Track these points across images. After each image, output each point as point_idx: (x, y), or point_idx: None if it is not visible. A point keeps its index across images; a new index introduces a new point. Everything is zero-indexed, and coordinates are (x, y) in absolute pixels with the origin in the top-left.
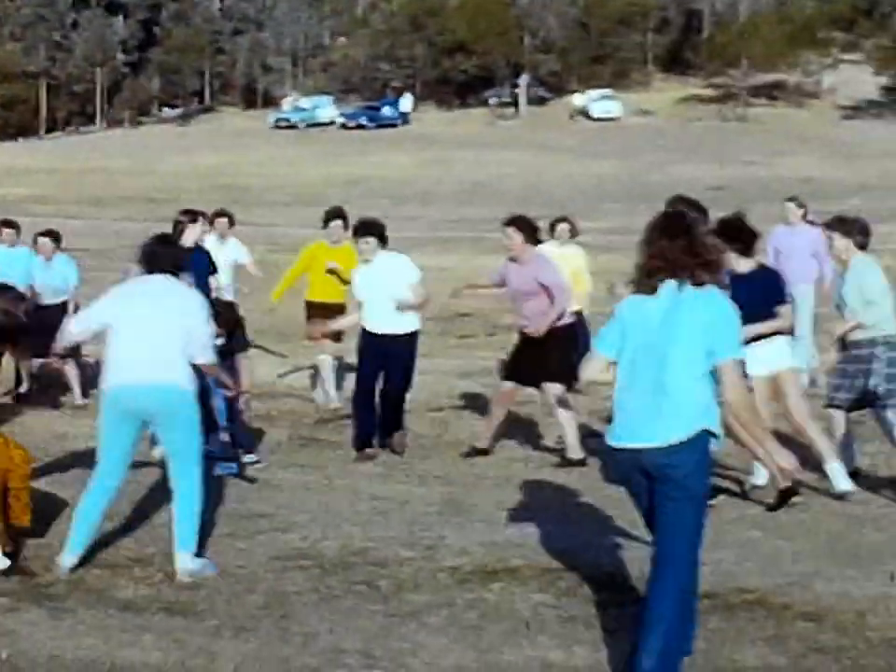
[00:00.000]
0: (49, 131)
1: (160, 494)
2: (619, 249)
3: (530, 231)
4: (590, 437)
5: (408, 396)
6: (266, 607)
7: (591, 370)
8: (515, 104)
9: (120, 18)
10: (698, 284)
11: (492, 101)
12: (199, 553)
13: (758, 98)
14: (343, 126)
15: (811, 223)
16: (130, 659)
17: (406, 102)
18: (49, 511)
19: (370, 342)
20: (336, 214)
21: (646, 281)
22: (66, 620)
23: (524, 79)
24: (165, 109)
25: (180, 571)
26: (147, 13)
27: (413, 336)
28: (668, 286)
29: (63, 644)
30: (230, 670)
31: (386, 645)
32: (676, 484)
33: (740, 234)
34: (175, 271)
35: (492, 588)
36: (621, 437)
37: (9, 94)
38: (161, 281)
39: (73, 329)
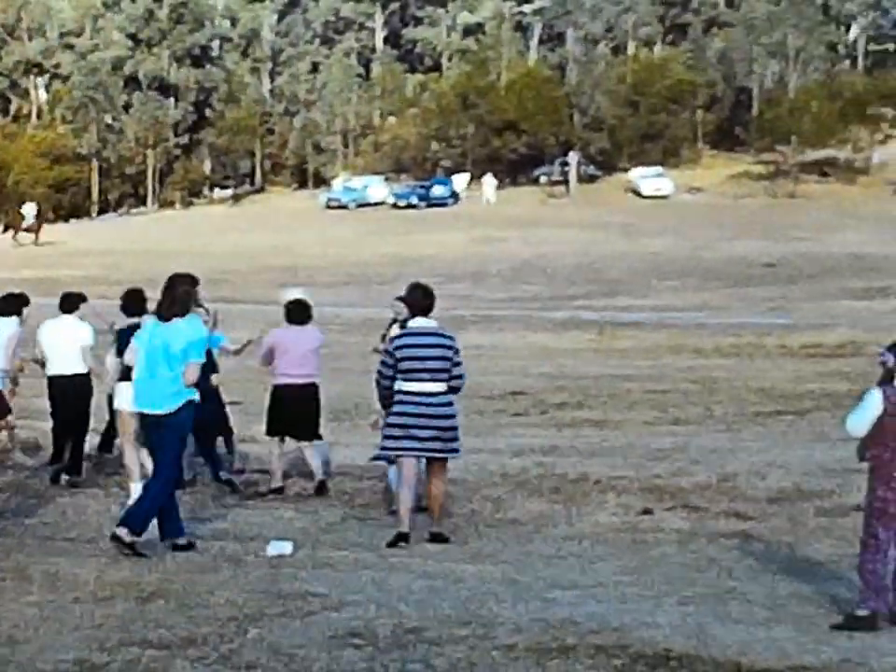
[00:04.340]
0: (101, 212)
1: (211, 575)
2: (672, 326)
3: None
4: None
5: (457, 474)
6: None
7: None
8: (566, 182)
9: (172, 100)
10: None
11: (542, 179)
12: None
13: (808, 174)
14: (395, 206)
15: None
16: None
17: (461, 180)
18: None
19: None
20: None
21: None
22: None
23: (573, 157)
24: (217, 190)
25: None
26: (199, 95)
27: None
28: None
29: None
30: None
31: None
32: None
33: None
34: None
35: (547, 666)
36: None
37: (61, 177)
38: None
39: None
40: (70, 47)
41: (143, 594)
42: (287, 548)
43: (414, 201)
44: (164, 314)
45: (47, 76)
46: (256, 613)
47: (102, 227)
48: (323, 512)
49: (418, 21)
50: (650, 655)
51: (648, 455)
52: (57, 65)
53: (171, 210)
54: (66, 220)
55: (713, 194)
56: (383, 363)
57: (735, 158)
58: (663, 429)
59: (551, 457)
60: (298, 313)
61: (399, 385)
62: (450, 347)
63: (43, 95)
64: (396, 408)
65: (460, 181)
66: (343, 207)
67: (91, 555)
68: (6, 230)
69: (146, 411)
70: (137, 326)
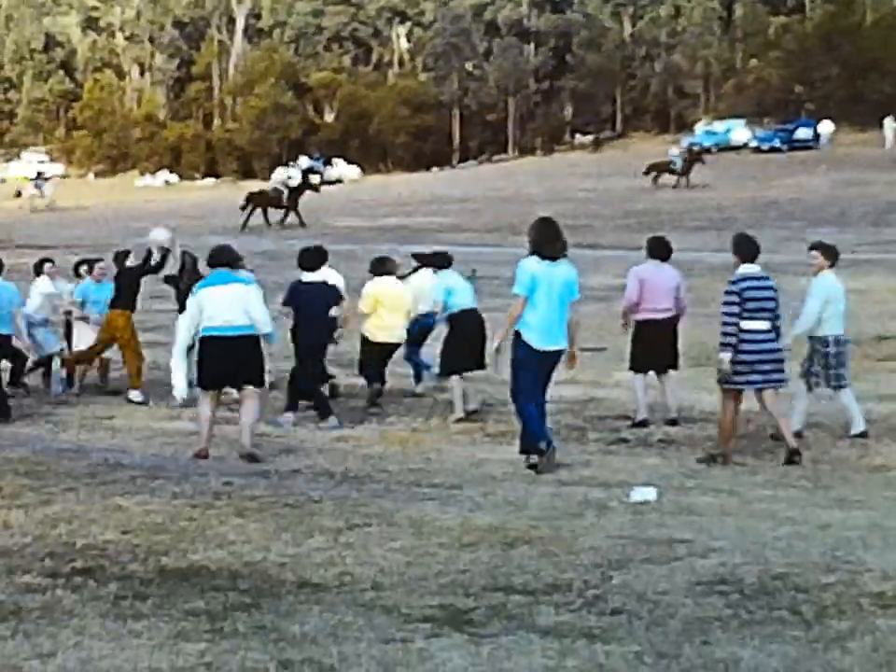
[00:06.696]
0: (462, 160)
1: (575, 521)
2: None
3: None
4: None
5: (820, 419)
6: (686, 633)
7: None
8: None
9: (532, 46)
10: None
11: None
12: None
13: None
14: (757, 149)
15: None
16: None
17: (826, 128)
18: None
19: None
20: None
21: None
22: (486, 646)
23: None
24: (577, 136)
25: None
26: (558, 40)
27: None
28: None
29: (484, 671)
30: None
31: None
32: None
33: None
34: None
35: None
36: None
37: (423, 125)
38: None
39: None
40: None
41: (507, 539)
42: (651, 494)
43: (777, 144)
44: (557, 255)
45: (409, 23)
46: (620, 559)
47: (463, 174)
48: (687, 458)
49: None
50: None
51: None
52: (420, 13)
53: (531, 157)
54: (427, 168)
55: None
56: (730, 303)
57: None
58: None
59: None
60: (659, 249)
61: (742, 323)
62: (776, 290)
63: (405, 43)
64: (744, 346)
65: (825, 128)
66: (706, 151)
67: (456, 501)
68: (647, 172)
69: (555, 347)
70: None
